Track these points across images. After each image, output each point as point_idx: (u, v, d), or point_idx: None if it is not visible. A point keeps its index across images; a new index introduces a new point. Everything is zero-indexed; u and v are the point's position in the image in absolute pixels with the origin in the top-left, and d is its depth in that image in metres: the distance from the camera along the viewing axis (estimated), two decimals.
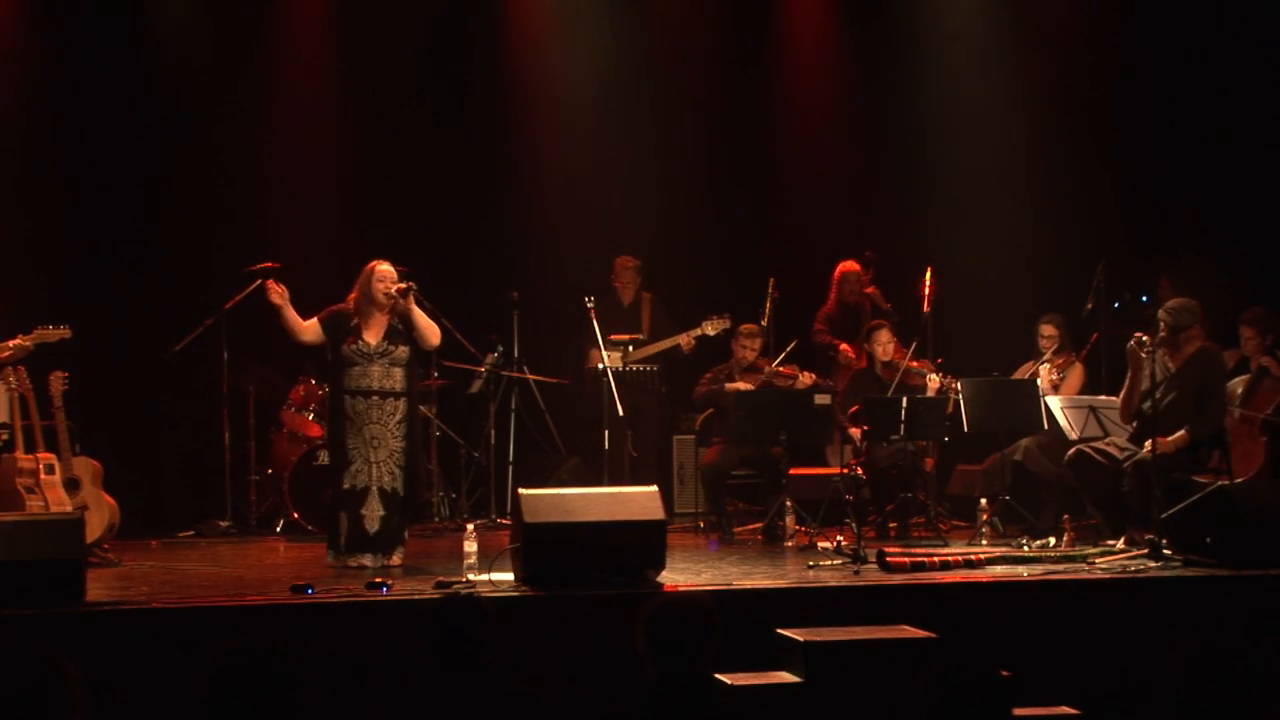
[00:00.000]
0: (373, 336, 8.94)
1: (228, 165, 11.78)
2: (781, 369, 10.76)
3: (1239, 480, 8.93)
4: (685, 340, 11.37)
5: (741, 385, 10.69)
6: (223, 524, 10.85)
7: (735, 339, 10.98)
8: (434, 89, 12.25)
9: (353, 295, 9.04)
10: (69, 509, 8.77)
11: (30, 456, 9.01)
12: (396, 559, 8.84)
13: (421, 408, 10.81)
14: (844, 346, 11.51)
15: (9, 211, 10.77)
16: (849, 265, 11.68)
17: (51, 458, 9.07)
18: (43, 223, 11.22)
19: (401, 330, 8.99)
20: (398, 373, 8.94)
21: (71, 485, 9.12)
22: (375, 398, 8.89)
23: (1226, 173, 11.94)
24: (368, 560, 8.71)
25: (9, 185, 11.14)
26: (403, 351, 8.96)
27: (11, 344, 9.07)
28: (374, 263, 9.06)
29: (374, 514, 8.79)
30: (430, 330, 9.05)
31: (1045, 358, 10.54)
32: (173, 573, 8.75)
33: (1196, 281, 10.31)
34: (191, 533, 10.71)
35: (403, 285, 8.90)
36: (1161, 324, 9.25)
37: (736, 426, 10.31)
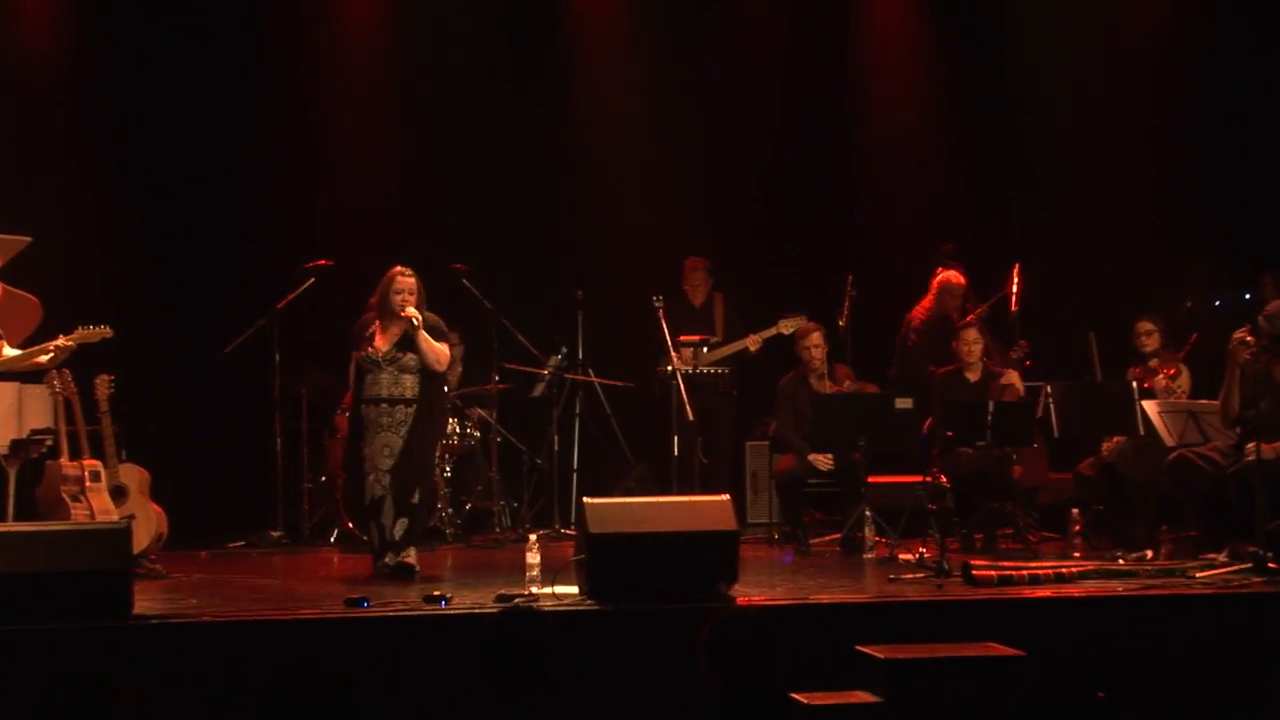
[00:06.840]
0: (384, 343, 8.93)
1: (280, 159, 11.73)
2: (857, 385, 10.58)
3: None
4: (754, 341, 11.14)
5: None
6: (274, 534, 10.78)
7: (797, 344, 10.72)
8: (496, 83, 12.22)
9: (374, 299, 9.04)
10: (115, 518, 8.68)
11: (75, 463, 8.94)
12: (408, 557, 8.81)
13: (480, 411, 10.74)
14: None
15: (54, 210, 10.73)
16: (954, 277, 11.17)
17: (97, 464, 9.00)
18: (89, 222, 11.17)
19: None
20: (408, 380, 8.91)
21: (118, 493, 9.04)
22: (385, 405, 8.89)
23: None
24: (388, 559, 8.80)
25: (55, 184, 11.08)
26: (411, 359, 8.90)
27: (53, 345, 8.97)
28: (395, 269, 9.03)
29: (391, 521, 8.83)
30: (433, 357, 8.92)
31: (1153, 364, 10.23)
32: (223, 585, 8.72)
33: None
34: (242, 543, 10.65)
35: (412, 315, 8.81)
36: (1261, 332, 9.07)
37: (813, 432, 10.17)
